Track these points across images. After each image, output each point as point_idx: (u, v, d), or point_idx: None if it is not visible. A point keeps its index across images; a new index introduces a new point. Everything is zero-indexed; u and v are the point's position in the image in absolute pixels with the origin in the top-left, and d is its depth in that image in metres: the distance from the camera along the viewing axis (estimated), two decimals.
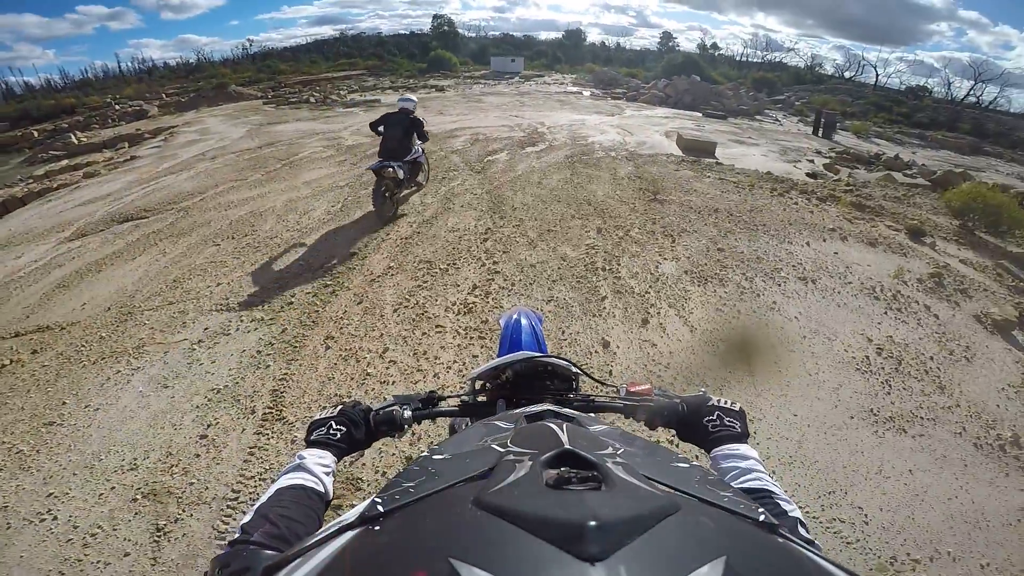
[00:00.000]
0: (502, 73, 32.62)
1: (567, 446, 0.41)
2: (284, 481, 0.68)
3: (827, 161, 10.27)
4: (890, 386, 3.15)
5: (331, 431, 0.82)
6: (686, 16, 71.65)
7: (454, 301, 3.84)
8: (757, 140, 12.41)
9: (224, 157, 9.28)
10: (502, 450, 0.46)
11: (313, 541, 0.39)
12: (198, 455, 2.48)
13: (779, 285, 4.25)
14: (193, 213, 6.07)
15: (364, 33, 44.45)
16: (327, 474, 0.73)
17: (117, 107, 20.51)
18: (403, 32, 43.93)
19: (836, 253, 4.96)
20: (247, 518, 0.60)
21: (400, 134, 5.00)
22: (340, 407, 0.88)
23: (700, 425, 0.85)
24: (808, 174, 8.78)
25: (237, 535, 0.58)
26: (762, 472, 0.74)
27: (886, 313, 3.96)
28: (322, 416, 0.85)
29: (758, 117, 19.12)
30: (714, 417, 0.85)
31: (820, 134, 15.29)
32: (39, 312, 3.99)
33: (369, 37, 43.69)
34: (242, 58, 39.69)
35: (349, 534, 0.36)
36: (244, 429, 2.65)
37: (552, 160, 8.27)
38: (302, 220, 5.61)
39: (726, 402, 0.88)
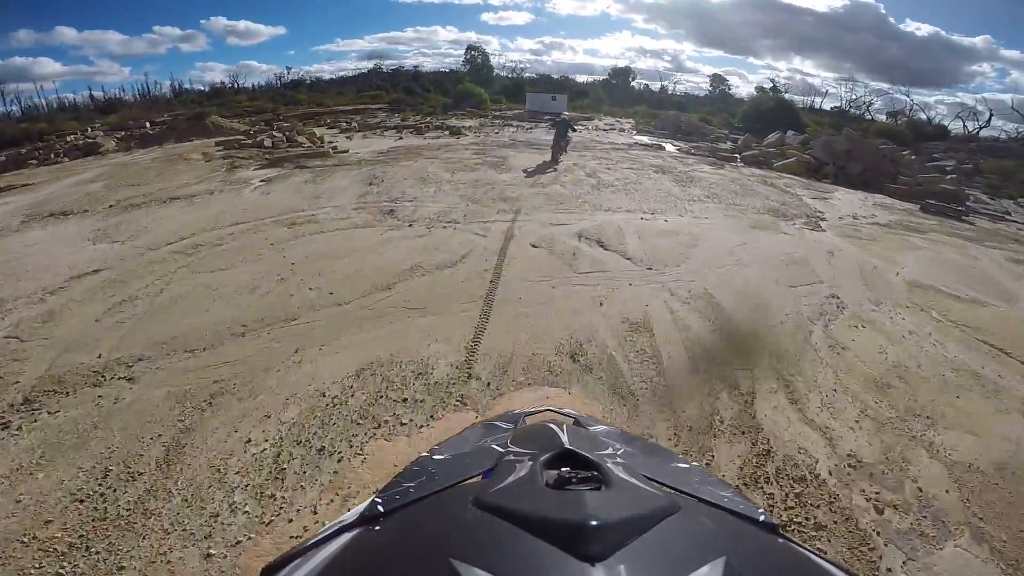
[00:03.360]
0: (540, 113, 24.87)
1: (567, 446, 0.41)
2: None
3: None
4: None
5: None
6: (721, 61, 70.53)
7: None
8: None
9: None
10: (502, 450, 0.45)
11: (313, 541, 0.37)
12: None
13: None
14: None
15: (403, 68, 40.04)
16: None
17: (69, 139, 16.50)
18: (443, 70, 39.35)
19: None
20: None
21: (564, 129, 10.87)
22: None
23: None
24: None
25: None
26: None
27: None
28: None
29: (974, 215, 11.59)
30: None
31: None
32: None
33: (406, 72, 39.14)
34: (274, 87, 36.38)
35: (349, 534, 0.35)
36: None
37: None
38: None
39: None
